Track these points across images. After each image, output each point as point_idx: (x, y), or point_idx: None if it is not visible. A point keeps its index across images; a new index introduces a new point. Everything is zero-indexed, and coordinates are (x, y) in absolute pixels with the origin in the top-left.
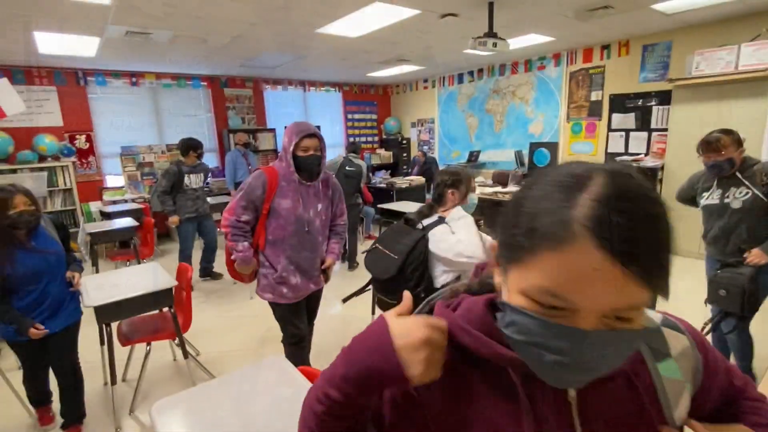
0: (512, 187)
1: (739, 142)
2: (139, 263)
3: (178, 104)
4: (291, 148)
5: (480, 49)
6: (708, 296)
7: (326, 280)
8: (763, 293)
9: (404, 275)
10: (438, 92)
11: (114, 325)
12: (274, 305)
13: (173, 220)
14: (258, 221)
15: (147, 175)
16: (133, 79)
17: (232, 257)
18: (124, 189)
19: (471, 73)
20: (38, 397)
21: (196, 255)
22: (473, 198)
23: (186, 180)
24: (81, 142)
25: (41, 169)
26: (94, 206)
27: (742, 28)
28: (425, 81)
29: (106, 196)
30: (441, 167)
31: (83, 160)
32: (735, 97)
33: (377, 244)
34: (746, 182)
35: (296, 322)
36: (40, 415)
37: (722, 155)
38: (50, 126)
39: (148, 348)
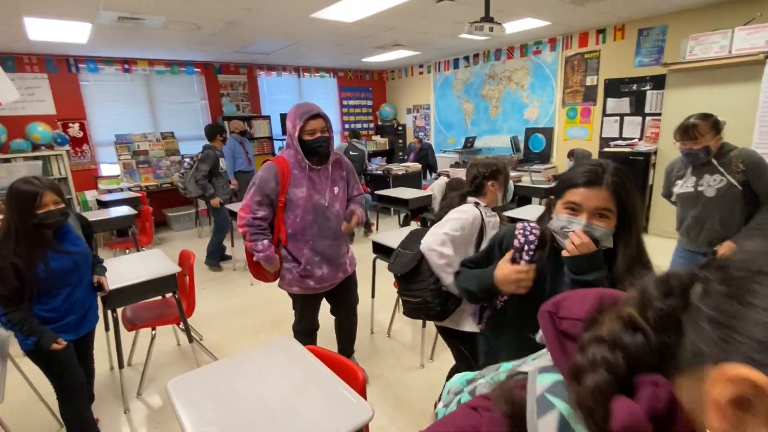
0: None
1: (716, 128)
2: (138, 251)
3: (172, 91)
4: (296, 133)
5: (476, 33)
6: None
7: (351, 240)
8: None
9: (420, 269)
10: (433, 77)
11: (119, 311)
12: (295, 296)
13: (216, 201)
14: (275, 216)
15: (142, 163)
16: (126, 66)
17: (255, 258)
18: (119, 178)
19: (467, 58)
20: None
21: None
22: (510, 185)
23: (220, 163)
24: (74, 130)
25: (35, 158)
26: (90, 195)
27: (736, 11)
28: (420, 66)
29: (102, 185)
30: (437, 154)
31: (77, 149)
32: (728, 82)
33: (399, 248)
34: (721, 169)
35: (314, 313)
36: None
37: (698, 143)
38: (43, 114)
39: (153, 332)
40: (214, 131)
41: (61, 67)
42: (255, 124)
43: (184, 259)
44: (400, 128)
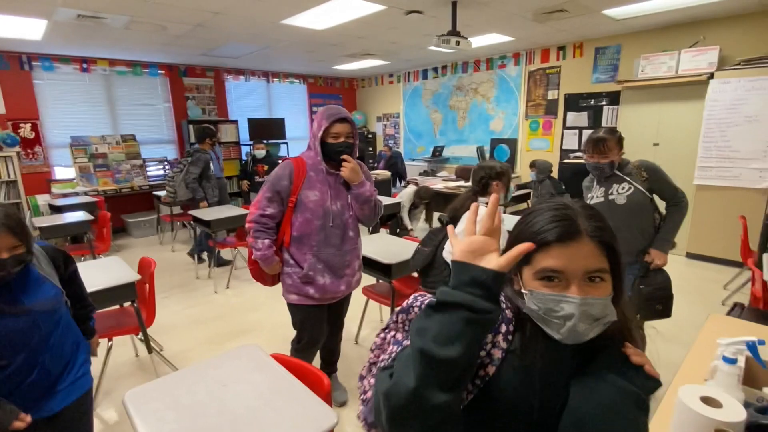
0: None
1: (620, 144)
2: (94, 258)
3: (134, 93)
4: (320, 134)
5: (444, 46)
6: None
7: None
8: (651, 302)
9: (436, 262)
10: (403, 87)
11: None
12: (294, 308)
13: (204, 205)
14: (284, 216)
15: (100, 167)
16: (84, 66)
17: (253, 257)
18: (75, 181)
19: (435, 69)
20: None
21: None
22: (512, 188)
23: (210, 167)
24: (26, 131)
25: None
26: (42, 199)
27: (683, 34)
28: (390, 76)
29: (55, 189)
30: (406, 162)
31: (29, 151)
32: (676, 99)
33: (419, 245)
34: (627, 178)
35: (316, 328)
36: None
37: (606, 157)
38: None
39: (110, 343)
40: (204, 134)
41: (13, 65)
42: (222, 129)
43: (144, 267)
44: (370, 136)
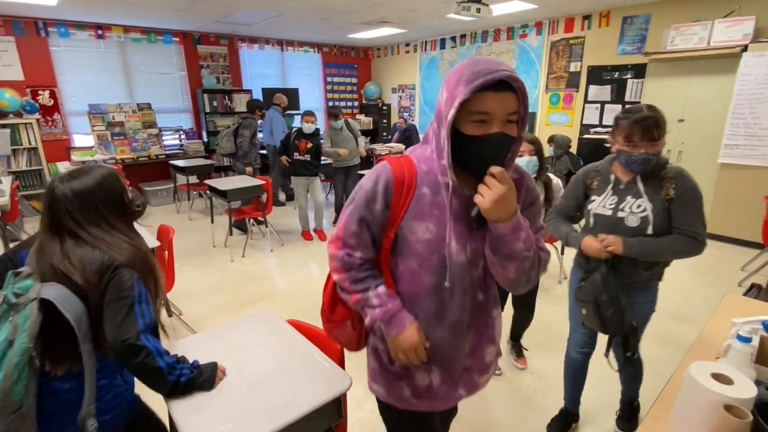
0: None
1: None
2: None
3: (149, 61)
4: (452, 112)
5: (463, 14)
6: (581, 320)
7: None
8: (621, 303)
9: None
10: (420, 57)
11: None
12: (381, 405)
13: (249, 171)
14: (379, 256)
15: (117, 135)
16: (99, 32)
17: (367, 322)
18: (94, 149)
19: (453, 38)
20: None
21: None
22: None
23: (257, 134)
24: (44, 98)
25: (3, 126)
26: (62, 167)
27: (718, 3)
28: (407, 45)
29: (75, 156)
30: (421, 135)
31: (48, 118)
32: (705, 73)
33: None
34: (646, 195)
35: None
36: None
37: (656, 147)
38: (10, 80)
39: None
40: (254, 105)
41: (29, 30)
42: (236, 98)
43: (163, 234)
44: (384, 108)
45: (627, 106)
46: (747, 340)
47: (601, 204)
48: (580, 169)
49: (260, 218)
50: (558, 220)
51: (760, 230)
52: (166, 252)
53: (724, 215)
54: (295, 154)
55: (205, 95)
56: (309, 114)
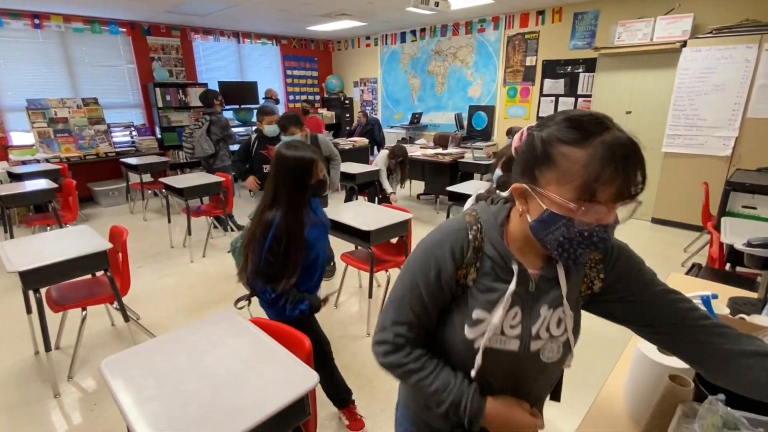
0: (452, 149)
1: None
2: (61, 228)
3: (93, 53)
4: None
5: (422, 7)
6: None
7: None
8: None
9: None
10: (381, 51)
11: (42, 292)
12: None
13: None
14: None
15: (61, 132)
16: (36, 21)
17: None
18: (34, 147)
19: (413, 32)
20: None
21: None
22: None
23: (231, 130)
24: None
25: None
26: (0, 167)
27: (660, 1)
28: (367, 38)
29: (13, 156)
30: (384, 129)
31: None
32: (649, 67)
33: None
34: (567, 299)
35: None
36: (349, 416)
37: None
38: None
39: (84, 313)
40: (208, 96)
41: None
42: (190, 92)
43: (116, 235)
44: (347, 101)
45: (550, 114)
46: None
47: (495, 327)
48: (437, 240)
49: (221, 216)
50: (418, 359)
51: (700, 214)
52: (120, 254)
53: (668, 201)
54: (264, 167)
55: (158, 89)
56: (267, 112)
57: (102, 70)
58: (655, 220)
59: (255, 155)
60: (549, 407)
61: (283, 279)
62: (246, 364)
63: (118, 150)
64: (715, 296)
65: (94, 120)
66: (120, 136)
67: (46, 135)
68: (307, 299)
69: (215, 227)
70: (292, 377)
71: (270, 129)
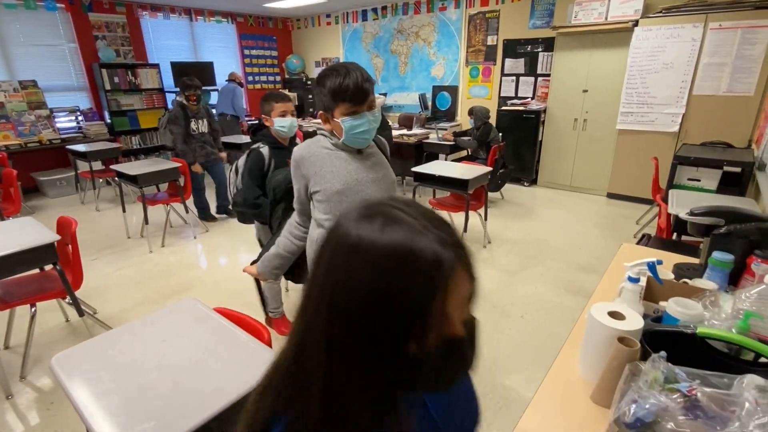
0: (417, 130)
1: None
2: (3, 220)
3: (29, 31)
4: None
5: None
6: None
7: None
8: None
9: None
10: (342, 29)
11: None
12: None
13: (197, 168)
14: None
15: None
16: None
17: None
18: None
19: (375, 10)
20: None
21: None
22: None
23: (192, 124)
24: None
25: None
26: None
27: None
28: (328, 16)
29: None
30: None
31: None
32: (604, 47)
33: None
34: None
35: None
36: None
37: None
38: None
39: (33, 309)
40: (181, 87)
41: None
42: (141, 73)
43: (64, 227)
44: (309, 82)
45: None
46: (635, 280)
47: None
48: None
49: (179, 202)
50: None
51: (650, 188)
52: (70, 246)
53: (622, 176)
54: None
55: (104, 70)
56: (277, 97)
57: (40, 50)
58: (611, 195)
59: (273, 178)
60: (511, 375)
61: None
62: (207, 351)
63: (63, 136)
64: (660, 262)
65: (35, 104)
66: (65, 122)
67: None
68: None
69: (203, 218)
70: (256, 360)
71: (284, 124)
